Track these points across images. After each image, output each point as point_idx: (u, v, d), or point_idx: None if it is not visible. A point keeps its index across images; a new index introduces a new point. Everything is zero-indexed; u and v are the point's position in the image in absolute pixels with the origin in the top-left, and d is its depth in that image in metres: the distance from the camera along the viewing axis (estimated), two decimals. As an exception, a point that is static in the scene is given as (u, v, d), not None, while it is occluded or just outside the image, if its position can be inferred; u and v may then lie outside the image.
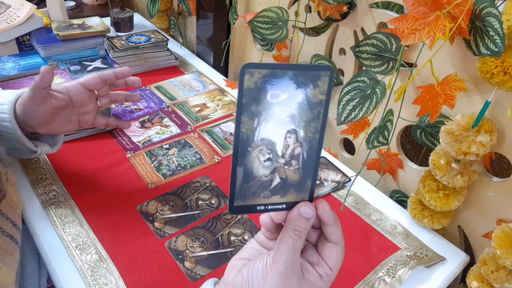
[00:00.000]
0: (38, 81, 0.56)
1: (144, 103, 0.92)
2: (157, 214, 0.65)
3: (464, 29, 0.51)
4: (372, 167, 0.78)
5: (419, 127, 0.67)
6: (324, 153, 0.83)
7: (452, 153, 0.56)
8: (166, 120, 0.87)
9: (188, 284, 0.56)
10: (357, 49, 0.66)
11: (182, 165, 0.75)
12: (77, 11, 1.42)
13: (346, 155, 0.88)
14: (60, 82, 0.90)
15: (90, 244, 0.59)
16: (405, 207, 0.71)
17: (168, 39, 1.07)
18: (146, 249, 0.59)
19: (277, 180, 0.35)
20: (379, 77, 0.62)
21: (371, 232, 0.66)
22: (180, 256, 0.59)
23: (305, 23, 0.81)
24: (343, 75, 0.83)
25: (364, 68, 0.66)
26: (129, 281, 0.55)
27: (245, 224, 0.65)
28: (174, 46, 1.18)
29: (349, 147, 0.89)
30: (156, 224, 0.63)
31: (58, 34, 0.98)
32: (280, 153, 0.34)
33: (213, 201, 0.69)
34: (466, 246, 0.70)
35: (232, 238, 0.63)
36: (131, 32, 1.15)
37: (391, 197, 0.77)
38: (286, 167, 0.34)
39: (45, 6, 1.17)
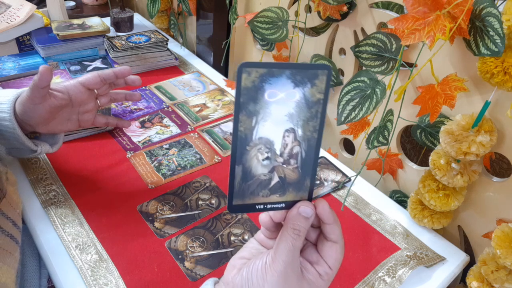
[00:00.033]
0: (36, 80, 0.56)
1: (144, 103, 0.92)
2: (157, 214, 0.65)
3: (464, 29, 0.51)
4: (372, 167, 0.78)
5: (419, 127, 0.67)
6: (324, 153, 0.83)
7: (452, 153, 0.56)
8: (166, 120, 0.87)
9: (188, 284, 0.56)
10: (357, 49, 0.66)
11: (182, 165, 0.75)
12: (77, 11, 1.42)
13: (346, 155, 0.88)
14: (60, 81, 0.90)
15: (90, 244, 0.59)
16: (405, 207, 0.71)
17: (168, 39, 1.07)
18: (146, 249, 0.59)
19: (275, 179, 0.35)
20: (379, 77, 0.62)
21: (371, 232, 0.66)
22: (180, 256, 0.59)
23: (305, 23, 0.81)
24: (343, 75, 0.83)
25: (364, 68, 0.66)
26: (129, 281, 0.55)
27: (245, 224, 0.65)
28: (174, 46, 1.18)
29: (349, 147, 0.89)
30: (156, 224, 0.63)
31: (58, 34, 0.98)
32: (278, 152, 0.34)
33: (213, 201, 0.69)
34: (466, 246, 0.70)
35: (232, 238, 0.63)
36: (131, 32, 1.15)
37: (391, 197, 0.76)
38: (284, 166, 0.34)
39: (45, 6, 1.17)
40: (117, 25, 1.22)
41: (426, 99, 0.56)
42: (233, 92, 0.99)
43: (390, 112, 0.64)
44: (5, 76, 0.91)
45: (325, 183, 0.75)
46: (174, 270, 0.57)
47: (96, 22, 1.06)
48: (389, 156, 0.75)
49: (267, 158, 0.34)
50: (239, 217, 0.66)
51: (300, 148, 0.34)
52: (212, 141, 0.82)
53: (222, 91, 0.99)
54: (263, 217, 0.39)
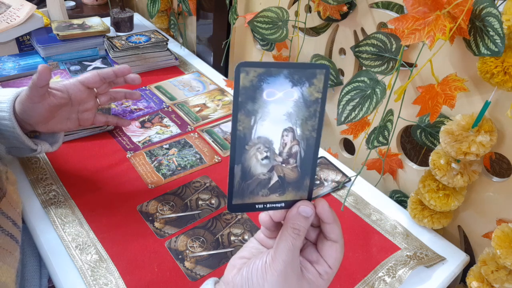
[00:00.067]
0: (35, 79, 0.56)
1: (144, 103, 0.92)
2: (157, 214, 0.65)
3: (464, 29, 0.51)
4: (372, 167, 0.78)
5: (419, 127, 0.67)
6: (324, 153, 0.83)
7: (452, 153, 0.56)
8: (166, 120, 0.87)
9: (188, 284, 0.56)
10: (357, 49, 0.66)
11: (182, 165, 0.75)
12: (77, 11, 1.42)
13: (346, 155, 0.88)
14: (60, 81, 0.90)
15: (90, 244, 0.59)
16: (405, 207, 0.71)
17: (168, 39, 1.07)
18: (146, 249, 0.59)
19: (275, 178, 0.35)
20: (379, 77, 0.62)
21: (371, 232, 0.66)
22: (180, 256, 0.59)
23: (305, 23, 0.81)
24: (343, 75, 0.83)
25: (364, 68, 0.66)
26: (129, 281, 0.55)
27: (245, 224, 0.65)
28: (174, 46, 1.18)
29: (349, 147, 0.89)
30: (156, 224, 0.63)
31: (58, 34, 0.98)
32: (277, 151, 0.34)
33: (213, 201, 0.69)
34: (466, 246, 0.70)
35: (232, 238, 0.63)
36: (131, 32, 1.15)
37: (391, 197, 0.76)
38: (284, 165, 0.34)
39: (45, 6, 1.17)
40: (117, 25, 1.22)
41: (426, 99, 0.56)
42: (233, 92, 0.99)
43: (390, 112, 0.64)
44: (5, 76, 0.91)
45: (325, 183, 0.75)
46: (174, 270, 0.57)
47: (96, 22, 1.06)
48: (389, 156, 0.75)
49: (266, 157, 0.34)
50: (239, 217, 0.66)
51: (299, 147, 0.34)
52: (212, 141, 0.82)
53: (222, 91, 0.99)
54: (263, 216, 0.39)
